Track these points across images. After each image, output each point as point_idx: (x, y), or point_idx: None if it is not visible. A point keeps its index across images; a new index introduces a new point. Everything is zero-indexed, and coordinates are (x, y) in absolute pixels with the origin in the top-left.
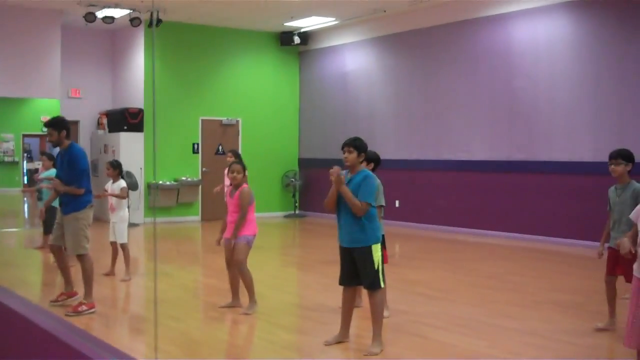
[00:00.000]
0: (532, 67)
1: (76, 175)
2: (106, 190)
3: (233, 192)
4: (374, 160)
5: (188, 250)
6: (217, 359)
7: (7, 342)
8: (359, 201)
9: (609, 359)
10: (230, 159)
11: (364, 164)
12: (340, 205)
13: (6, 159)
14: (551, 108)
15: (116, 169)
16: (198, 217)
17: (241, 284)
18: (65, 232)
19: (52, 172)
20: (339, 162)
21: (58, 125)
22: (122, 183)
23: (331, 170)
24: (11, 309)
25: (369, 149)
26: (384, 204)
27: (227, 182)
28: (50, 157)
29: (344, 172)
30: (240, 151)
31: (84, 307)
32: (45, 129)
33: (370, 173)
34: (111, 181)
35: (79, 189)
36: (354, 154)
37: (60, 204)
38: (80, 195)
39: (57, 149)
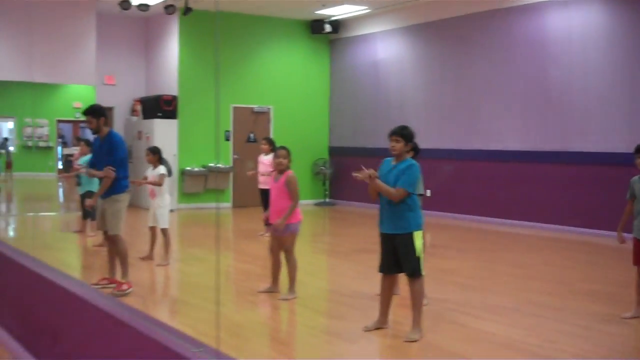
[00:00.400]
0: (566, 57)
1: (114, 162)
2: (146, 177)
3: (277, 178)
4: (415, 149)
5: (220, 236)
6: (262, 342)
7: (65, 323)
8: (393, 189)
9: None
10: (264, 146)
11: (410, 153)
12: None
13: (41, 144)
14: (585, 98)
15: (155, 154)
16: (229, 204)
17: (282, 271)
18: (105, 214)
19: (89, 157)
20: (370, 151)
21: (96, 112)
22: (161, 169)
23: (358, 176)
24: (68, 290)
25: None
26: (423, 192)
27: (261, 169)
28: (88, 143)
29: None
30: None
31: (125, 287)
32: (78, 115)
33: (415, 162)
34: (151, 167)
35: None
36: (401, 144)
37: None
38: (119, 180)
39: (93, 135)
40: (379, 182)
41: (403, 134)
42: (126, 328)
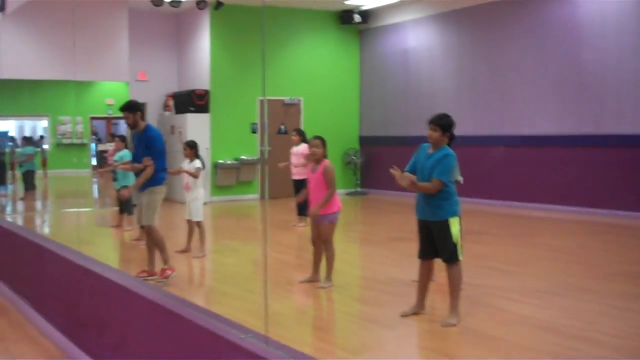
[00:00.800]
0: (600, 40)
1: (151, 154)
2: (182, 168)
3: (315, 168)
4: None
5: (253, 227)
6: (303, 330)
7: (111, 314)
8: (429, 183)
9: None
10: (295, 138)
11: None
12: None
13: (75, 141)
14: (620, 81)
15: (192, 148)
16: (258, 195)
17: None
18: (142, 205)
19: (125, 153)
20: (400, 140)
21: (132, 108)
22: (197, 163)
23: (397, 175)
24: (113, 281)
25: None
26: (459, 179)
27: (293, 160)
28: (122, 138)
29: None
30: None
31: (169, 272)
32: (110, 112)
33: (451, 152)
34: (187, 161)
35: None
36: (438, 133)
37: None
38: (157, 172)
39: (127, 131)
40: (418, 183)
41: (440, 123)
42: (173, 316)
